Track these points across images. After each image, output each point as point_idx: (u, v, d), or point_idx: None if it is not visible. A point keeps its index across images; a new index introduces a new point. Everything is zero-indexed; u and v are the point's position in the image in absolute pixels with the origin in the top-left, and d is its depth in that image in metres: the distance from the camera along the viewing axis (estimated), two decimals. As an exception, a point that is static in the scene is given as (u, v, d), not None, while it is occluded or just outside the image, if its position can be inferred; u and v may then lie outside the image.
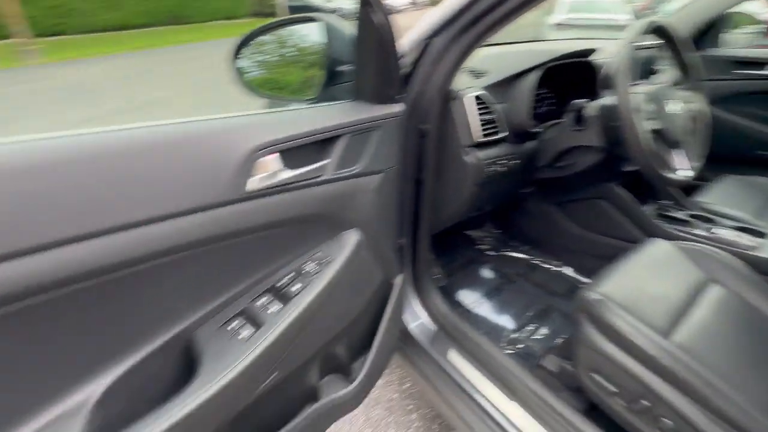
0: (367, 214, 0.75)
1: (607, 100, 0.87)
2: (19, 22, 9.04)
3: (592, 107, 0.93)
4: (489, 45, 1.24)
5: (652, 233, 1.24)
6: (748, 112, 1.64)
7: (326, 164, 0.63)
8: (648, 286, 0.89)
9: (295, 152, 0.58)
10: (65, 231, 0.36)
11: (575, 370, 0.84)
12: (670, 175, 0.85)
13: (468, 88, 0.94)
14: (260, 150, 0.52)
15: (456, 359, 1.07)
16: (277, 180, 0.54)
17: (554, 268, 1.57)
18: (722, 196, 1.40)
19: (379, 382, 1.58)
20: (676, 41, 0.94)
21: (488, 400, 0.95)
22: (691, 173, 0.90)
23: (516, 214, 1.67)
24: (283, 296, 0.59)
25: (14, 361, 0.38)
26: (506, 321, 1.33)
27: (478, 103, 0.94)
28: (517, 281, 1.51)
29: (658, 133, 0.85)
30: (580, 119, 0.94)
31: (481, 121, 0.94)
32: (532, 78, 0.98)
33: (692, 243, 1.08)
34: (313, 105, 0.74)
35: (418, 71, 0.87)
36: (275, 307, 0.58)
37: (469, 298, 1.43)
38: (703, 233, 1.15)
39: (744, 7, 1.58)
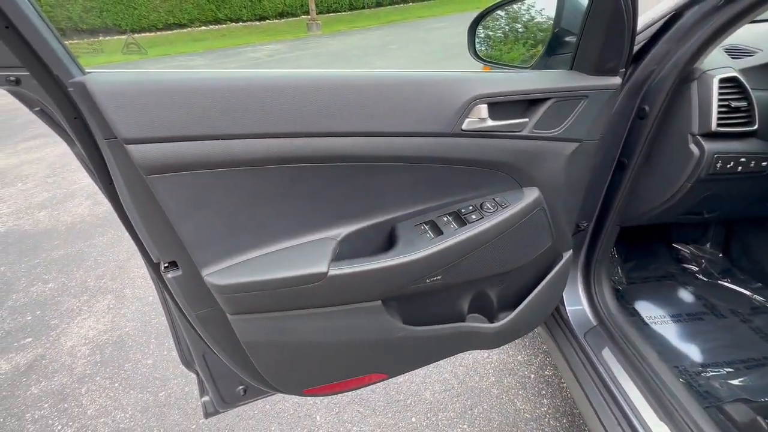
0: (553, 178, 0.80)
1: None
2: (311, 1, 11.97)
3: None
4: (762, 20, 0.98)
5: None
6: None
7: (526, 122, 0.72)
8: None
9: (502, 106, 0.69)
10: (352, 126, 0.61)
11: None
12: None
13: (717, 68, 0.80)
14: (475, 100, 0.66)
15: (611, 360, 1.02)
16: (484, 125, 0.67)
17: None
18: None
19: (519, 357, 1.63)
20: None
21: (636, 413, 0.89)
22: None
23: (754, 236, 1.31)
24: (461, 221, 0.75)
25: (308, 199, 0.67)
26: (693, 352, 1.13)
27: (728, 87, 0.79)
28: (728, 318, 1.23)
29: None
30: None
31: (727, 108, 0.79)
32: None
33: None
34: (528, 70, 0.82)
35: (656, 46, 0.82)
36: (453, 226, 0.74)
37: (650, 311, 1.26)
38: None
39: None
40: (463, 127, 0.66)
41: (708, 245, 1.43)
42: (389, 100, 0.63)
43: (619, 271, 1.38)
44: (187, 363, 0.85)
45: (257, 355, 0.70)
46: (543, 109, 0.73)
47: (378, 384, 1.37)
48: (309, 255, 0.65)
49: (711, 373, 1.06)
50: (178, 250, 0.61)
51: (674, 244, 1.48)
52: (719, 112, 0.81)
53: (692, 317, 1.23)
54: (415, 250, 0.70)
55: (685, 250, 1.47)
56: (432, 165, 0.69)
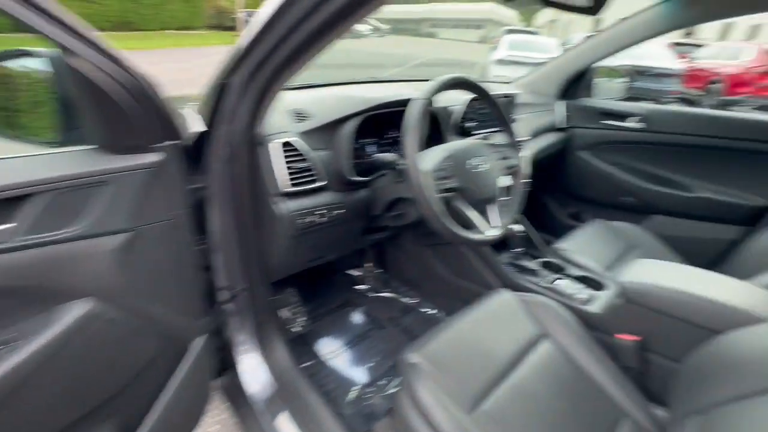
0: (107, 279, 0.64)
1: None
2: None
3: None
4: (327, 85, 1.20)
5: (504, 282, 1.22)
6: (613, 160, 1.72)
7: (6, 229, 0.52)
8: (479, 342, 0.88)
9: None
10: None
11: None
12: (471, 236, 0.82)
13: (279, 133, 0.87)
14: None
15: (284, 425, 0.97)
16: None
17: (429, 311, 1.53)
18: (583, 241, 1.43)
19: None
20: (484, 96, 0.91)
21: None
22: (497, 232, 0.87)
23: (395, 253, 1.62)
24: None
25: None
26: (360, 374, 1.25)
27: (289, 150, 0.87)
28: (387, 327, 1.44)
29: (459, 192, 0.82)
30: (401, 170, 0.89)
31: (293, 169, 0.87)
32: (350, 126, 0.93)
33: (533, 295, 1.08)
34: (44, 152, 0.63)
35: (218, 115, 0.79)
36: None
37: (330, 347, 1.33)
38: (545, 284, 1.15)
39: (611, 61, 1.67)
40: None
41: (371, 265, 1.68)
42: None
43: (302, 315, 1.41)
44: None
45: None
46: (34, 207, 0.54)
47: None
48: None
49: (371, 391, 1.19)
50: None
51: (347, 272, 1.66)
52: (291, 173, 0.87)
53: (361, 338, 1.38)
54: None
55: (356, 273, 1.67)
56: None
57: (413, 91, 0.82)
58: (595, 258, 1.34)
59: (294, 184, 0.87)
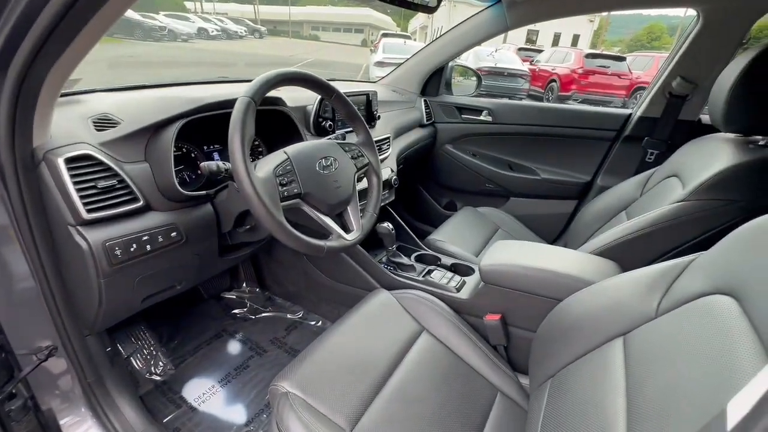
0: None
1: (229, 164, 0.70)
2: None
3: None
4: (149, 86, 1.02)
5: (381, 281, 1.20)
6: (473, 151, 1.87)
7: None
8: (357, 350, 0.84)
9: None
10: None
11: None
12: (328, 243, 0.76)
13: (65, 146, 0.68)
14: None
15: None
16: None
17: (316, 323, 1.44)
18: (454, 229, 1.50)
19: None
20: (327, 91, 0.83)
21: None
22: (356, 236, 0.83)
23: (271, 266, 1.49)
24: None
25: None
26: (237, 413, 1.09)
27: (88, 166, 0.68)
28: (269, 350, 1.31)
29: (306, 197, 0.75)
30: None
31: (96, 189, 0.68)
32: (171, 131, 0.78)
33: (410, 291, 1.07)
34: None
35: None
36: None
37: (200, 389, 1.14)
38: (420, 278, 1.16)
39: (464, 59, 1.81)
40: None
41: (245, 285, 1.51)
42: None
43: (162, 358, 1.18)
44: None
45: None
46: None
47: None
48: None
49: (253, 428, 1.05)
50: None
51: (219, 296, 1.47)
52: (91, 194, 0.68)
53: (240, 369, 1.22)
54: None
55: (230, 296, 1.48)
56: None
57: (249, 86, 0.71)
58: (465, 244, 1.42)
59: (98, 208, 0.69)
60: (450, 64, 1.87)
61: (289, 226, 0.68)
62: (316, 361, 0.79)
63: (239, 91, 0.69)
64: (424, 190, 2.05)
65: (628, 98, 9.60)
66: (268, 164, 0.71)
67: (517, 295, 0.97)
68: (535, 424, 0.68)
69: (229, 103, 0.76)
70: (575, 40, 25.61)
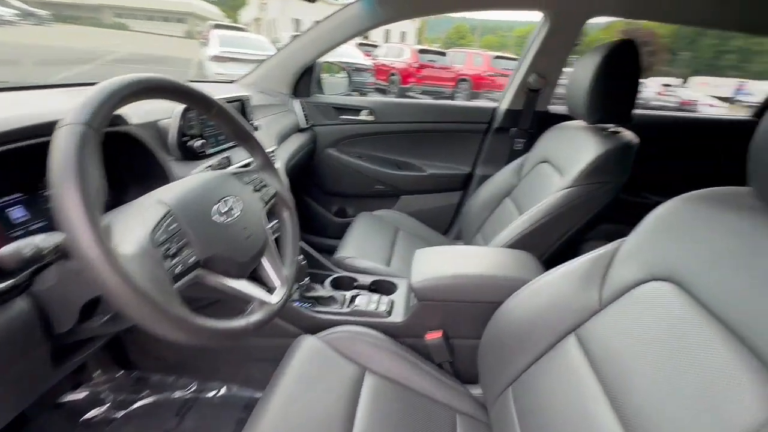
0: None
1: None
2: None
3: None
4: None
5: (301, 325, 1.01)
6: (357, 152, 1.79)
7: None
8: (306, 415, 0.72)
9: None
10: None
11: None
12: (246, 320, 0.54)
13: None
14: None
15: None
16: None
17: (218, 392, 1.14)
18: (357, 241, 1.40)
19: None
20: (204, 104, 0.59)
21: None
22: (283, 292, 0.64)
23: (139, 337, 1.11)
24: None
25: None
26: None
27: None
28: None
29: (208, 265, 0.52)
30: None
31: None
32: None
33: (337, 330, 0.92)
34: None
35: None
36: None
37: None
38: (345, 309, 1.01)
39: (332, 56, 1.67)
40: None
41: (99, 372, 1.09)
42: None
43: None
44: None
45: None
46: None
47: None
48: None
49: None
50: None
51: (60, 401, 1.02)
52: None
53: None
54: None
55: (76, 397, 1.04)
56: None
57: (81, 105, 0.41)
58: (374, 256, 1.33)
59: None
60: (318, 60, 1.71)
61: (193, 317, 0.45)
62: None
63: (61, 110, 0.40)
64: (311, 200, 1.86)
65: (455, 88, 11.11)
66: (135, 227, 0.45)
67: (455, 307, 0.92)
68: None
69: (42, 130, 0.45)
70: (403, 36, 28.26)
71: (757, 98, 2.30)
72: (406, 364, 0.88)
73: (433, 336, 0.94)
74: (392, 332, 0.96)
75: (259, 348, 1.04)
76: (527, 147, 1.49)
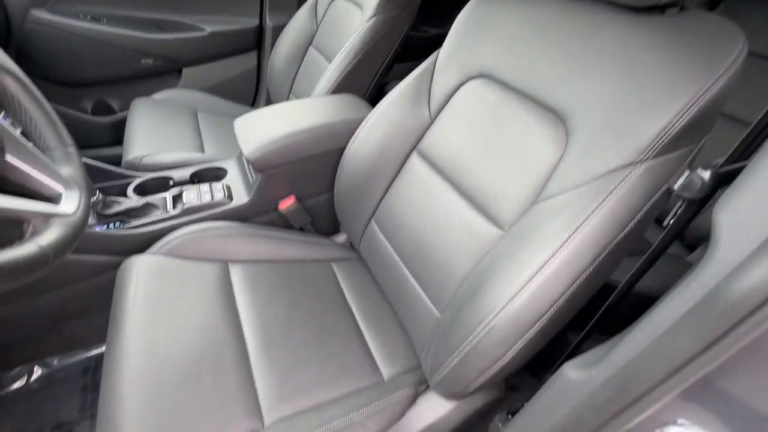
0: None
1: None
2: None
3: None
4: None
5: (120, 251, 0.78)
6: (91, 11, 1.24)
7: None
8: (179, 341, 0.62)
9: None
10: None
11: None
12: (37, 243, 0.35)
13: None
14: None
15: None
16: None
17: (34, 377, 0.86)
18: (145, 135, 1.10)
19: None
20: None
21: None
22: (75, 198, 0.42)
23: None
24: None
25: None
26: None
27: None
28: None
29: None
30: None
31: None
32: None
33: (171, 236, 0.76)
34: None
35: None
36: None
37: None
38: (176, 212, 0.83)
39: None
40: None
41: None
42: None
43: None
44: None
45: None
46: None
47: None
48: None
49: None
50: None
51: None
52: None
53: None
54: None
55: None
56: None
57: None
58: (179, 145, 1.09)
59: None
60: None
61: None
62: (138, 397, 0.50)
63: None
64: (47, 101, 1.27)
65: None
66: None
67: (299, 166, 0.87)
68: (390, 252, 0.73)
69: None
70: None
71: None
72: (267, 241, 0.83)
73: (286, 204, 0.89)
74: (242, 216, 0.86)
75: (67, 298, 0.79)
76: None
